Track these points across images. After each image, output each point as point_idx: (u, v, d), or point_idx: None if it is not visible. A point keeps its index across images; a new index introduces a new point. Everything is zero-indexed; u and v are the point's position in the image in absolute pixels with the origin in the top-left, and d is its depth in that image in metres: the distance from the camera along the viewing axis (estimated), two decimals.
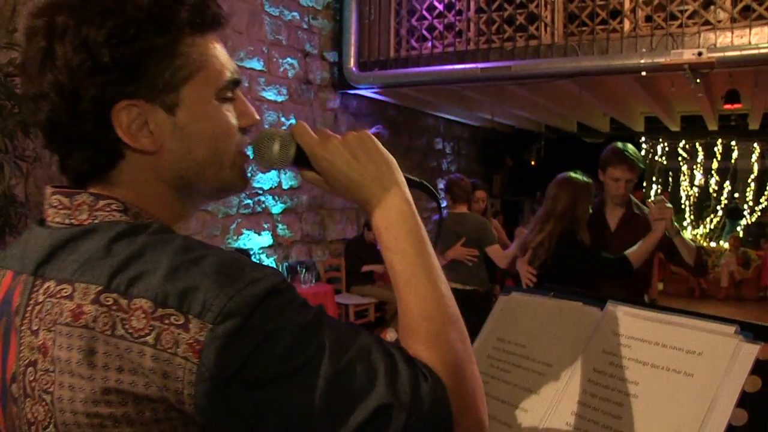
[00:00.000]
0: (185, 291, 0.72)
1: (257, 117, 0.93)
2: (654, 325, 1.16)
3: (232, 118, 0.90)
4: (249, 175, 0.96)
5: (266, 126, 6.93)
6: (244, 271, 0.74)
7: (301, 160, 0.94)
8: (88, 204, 0.83)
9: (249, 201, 6.92)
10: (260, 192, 7.07)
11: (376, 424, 0.73)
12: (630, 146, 3.48)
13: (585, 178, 3.45)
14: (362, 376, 0.74)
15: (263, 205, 7.14)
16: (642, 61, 6.31)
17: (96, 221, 0.82)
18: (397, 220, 0.89)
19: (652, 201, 3.23)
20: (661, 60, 6.21)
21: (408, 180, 0.96)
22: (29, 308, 0.81)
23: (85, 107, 0.80)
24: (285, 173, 7.34)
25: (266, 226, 7.19)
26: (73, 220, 0.83)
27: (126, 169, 0.85)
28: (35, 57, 0.81)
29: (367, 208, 0.91)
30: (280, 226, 7.39)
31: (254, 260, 0.78)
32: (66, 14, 0.79)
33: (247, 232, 6.91)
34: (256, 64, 6.95)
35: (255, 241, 6.98)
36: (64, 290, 0.78)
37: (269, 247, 7.21)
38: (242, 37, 6.72)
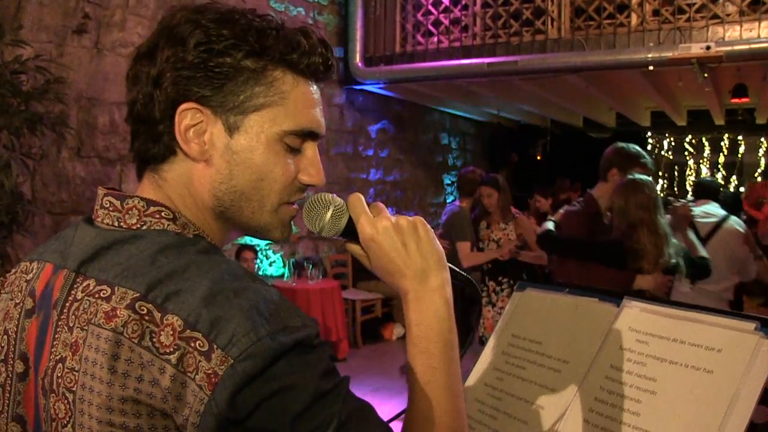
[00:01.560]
0: (217, 319, 0.72)
1: (322, 180, 0.91)
2: (672, 322, 1.15)
3: (291, 167, 0.88)
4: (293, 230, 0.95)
5: None
6: (280, 316, 0.74)
7: (350, 233, 0.92)
8: (139, 209, 0.84)
9: None
10: None
11: None
12: (635, 146, 3.49)
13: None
14: None
15: None
16: (649, 56, 6.29)
17: (144, 227, 0.83)
18: (431, 320, 0.87)
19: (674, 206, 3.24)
20: (669, 54, 6.18)
21: (453, 273, 0.94)
22: (68, 304, 0.81)
23: (159, 96, 0.83)
24: None
25: None
26: (122, 223, 0.84)
27: (175, 168, 0.86)
28: (145, 44, 0.86)
29: (404, 299, 0.90)
30: None
31: (293, 306, 0.78)
32: (184, 12, 0.84)
33: None
34: None
35: None
36: (104, 291, 0.78)
37: (276, 243, 7.21)
38: None
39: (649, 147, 13.80)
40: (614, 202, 3.23)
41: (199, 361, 0.70)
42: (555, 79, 7.47)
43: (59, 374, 0.79)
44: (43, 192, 4.92)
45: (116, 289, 0.77)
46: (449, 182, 11.25)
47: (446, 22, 7.53)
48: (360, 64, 7.88)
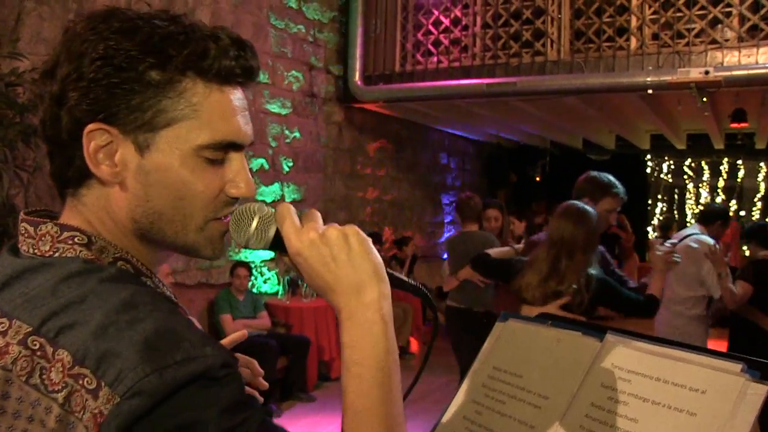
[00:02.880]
0: (106, 354, 0.67)
1: (252, 191, 0.85)
2: (656, 359, 1.10)
3: (214, 181, 0.82)
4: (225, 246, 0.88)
5: (271, 143, 6.92)
6: (178, 346, 0.68)
7: (280, 245, 0.85)
8: (52, 235, 0.79)
9: None
10: None
11: None
12: (606, 176, 3.48)
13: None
14: None
15: None
16: (648, 79, 6.29)
17: (57, 254, 0.78)
18: (364, 340, 0.78)
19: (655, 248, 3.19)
20: (668, 78, 6.19)
21: (400, 283, 0.87)
22: None
23: (63, 116, 0.78)
24: (288, 187, 7.31)
25: None
26: (36, 251, 0.79)
27: (92, 191, 0.82)
28: (48, 61, 0.81)
29: (338, 317, 0.81)
30: None
31: (203, 333, 0.72)
32: (84, 24, 0.79)
33: None
34: (261, 77, 6.92)
35: (256, 254, 6.94)
36: (2, 324, 0.74)
37: (270, 260, 7.17)
38: None
39: (648, 170, 13.80)
40: (552, 220, 3.18)
41: (86, 400, 0.66)
42: (554, 100, 7.47)
43: None
44: (37, 204, 4.88)
45: (14, 322, 0.73)
46: (447, 202, 11.23)
47: (446, 42, 7.54)
48: (359, 83, 7.88)
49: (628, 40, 6.54)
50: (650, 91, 6.44)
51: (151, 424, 0.64)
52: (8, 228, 4.09)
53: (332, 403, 5.97)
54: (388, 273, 0.84)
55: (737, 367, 1.01)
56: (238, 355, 0.97)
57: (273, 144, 7.08)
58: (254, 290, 6.68)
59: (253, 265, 6.68)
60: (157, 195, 0.80)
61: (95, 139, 0.78)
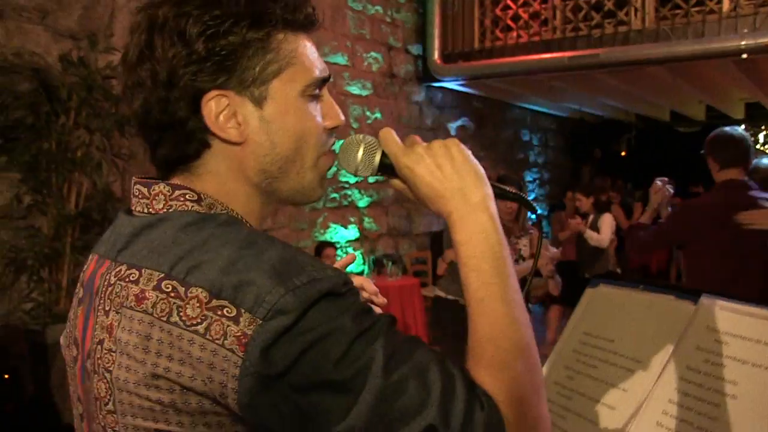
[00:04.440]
0: (240, 284, 0.73)
1: (342, 118, 0.93)
2: (754, 321, 1.08)
3: (318, 117, 0.90)
4: (330, 175, 0.95)
5: (353, 125, 7.00)
6: (303, 270, 0.74)
7: (386, 168, 0.92)
8: (164, 194, 0.86)
9: (335, 195, 7.00)
10: (346, 186, 7.14)
11: None
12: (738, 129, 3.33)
13: None
14: (414, 395, 0.71)
15: (349, 199, 7.21)
16: (743, 43, 5.98)
17: (170, 210, 0.85)
18: (477, 236, 0.85)
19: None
20: (766, 40, 5.85)
21: (501, 192, 0.93)
22: (104, 290, 0.85)
23: (177, 95, 0.83)
24: None
25: (353, 220, 7.25)
26: (150, 209, 0.86)
27: (211, 161, 0.87)
28: (135, 48, 0.84)
29: (449, 222, 0.88)
30: (366, 219, 7.44)
31: (316, 259, 0.78)
32: (167, 7, 0.83)
33: (334, 225, 6.99)
34: (341, 59, 7.00)
35: (342, 235, 7.06)
36: (132, 275, 0.81)
37: (356, 240, 7.28)
38: (326, 33, 6.79)
39: None
40: None
41: (228, 327, 0.71)
42: (639, 71, 7.22)
43: (99, 356, 0.82)
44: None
45: (143, 271, 0.80)
46: (530, 179, 11.06)
47: (525, 16, 7.40)
48: (438, 61, 7.84)
49: (719, 2, 6.24)
50: (745, 56, 6.12)
51: (292, 339, 0.70)
52: (108, 214, 4.31)
53: None
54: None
55: None
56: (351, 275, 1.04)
57: (355, 125, 7.16)
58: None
59: (338, 246, 6.80)
60: (281, 140, 0.87)
61: (215, 106, 0.83)
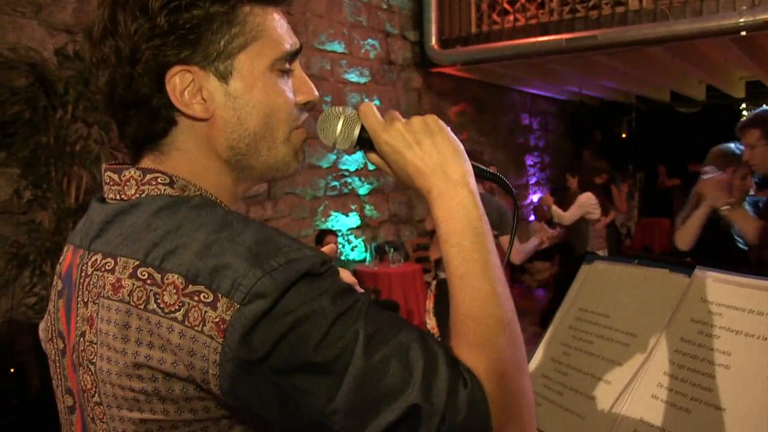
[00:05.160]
0: (216, 268, 0.71)
1: (316, 93, 0.92)
2: (747, 291, 1.09)
3: (288, 92, 0.88)
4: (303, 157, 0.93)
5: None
6: (279, 251, 0.73)
7: (365, 142, 0.91)
8: (136, 179, 0.84)
9: (336, 183, 7.00)
10: (347, 173, 7.14)
11: (405, 427, 0.69)
12: None
13: None
14: (396, 374, 0.70)
15: (350, 187, 7.21)
16: (742, 20, 5.93)
17: (143, 195, 0.83)
18: (457, 212, 0.84)
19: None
20: (765, 17, 5.81)
21: (479, 171, 0.92)
22: (82, 280, 0.84)
23: (141, 71, 0.81)
24: None
25: (354, 207, 7.26)
26: (122, 195, 0.85)
27: (179, 138, 0.86)
28: (99, 24, 0.83)
29: (428, 198, 0.87)
30: (367, 206, 7.44)
31: (293, 239, 0.77)
32: None
33: (335, 213, 6.99)
34: (338, 47, 6.99)
35: (343, 222, 7.07)
36: (108, 263, 0.80)
37: (357, 227, 7.29)
38: (322, 21, 6.77)
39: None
40: None
41: (206, 312, 0.70)
42: (638, 52, 7.19)
43: (82, 348, 0.82)
44: None
45: (119, 259, 0.79)
46: (531, 163, 11.05)
47: None
48: (436, 47, 7.81)
49: None
50: (744, 33, 6.08)
51: (271, 323, 0.69)
52: None
53: None
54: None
55: None
56: None
57: None
58: (342, 258, 6.81)
59: (340, 233, 6.81)
60: (249, 116, 0.85)
61: (179, 81, 0.81)
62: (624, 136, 12.76)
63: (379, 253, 7.11)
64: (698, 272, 1.17)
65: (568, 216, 6.09)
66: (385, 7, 7.68)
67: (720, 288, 1.13)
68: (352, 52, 7.20)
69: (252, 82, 0.84)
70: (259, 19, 0.85)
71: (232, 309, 0.69)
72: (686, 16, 6.30)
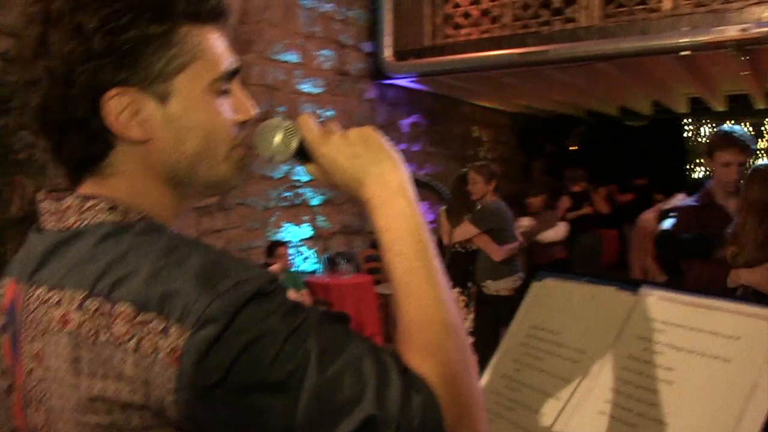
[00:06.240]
0: (166, 295, 0.70)
1: (253, 112, 0.91)
2: (690, 310, 1.12)
3: (228, 112, 0.87)
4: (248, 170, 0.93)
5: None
6: (227, 274, 0.72)
7: (303, 154, 0.92)
8: (75, 207, 0.82)
9: (288, 194, 6.97)
10: (299, 184, 7.11)
11: None
12: (737, 128, 3.35)
13: None
14: (350, 388, 0.71)
15: (302, 198, 7.18)
16: (683, 41, 6.16)
17: (83, 224, 0.81)
18: (398, 221, 0.85)
19: None
20: (704, 38, 6.04)
21: (414, 180, 0.92)
22: (27, 316, 0.81)
23: (75, 93, 0.78)
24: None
25: (305, 218, 7.23)
26: (62, 224, 0.82)
27: (117, 161, 0.84)
28: (30, 43, 0.80)
29: (368, 208, 0.87)
30: (319, 217, 7.42)
31: (240, 259, 0.77)
32: (62, 0, 0.78)
33: (287, 224, 6.96)
34: (292, 57, 6.97)
35: (295, 233, 7.03)
36: (54, 297, 0.78)
37: (309, 238, 7.25)
38: (277, 30, 6.75)
39: (687, 134, 13.52)
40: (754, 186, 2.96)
41: (157, 342, 0.69)
42: (588, 67, 7.36)
43: (31, 386, 0.79)
44: None
45: (64, 292, 0.77)
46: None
47: (476, 13, 7.47)
48: (390, 59, 7.86)
49: (660, 1, 6.40)
50: (686, 53, 6.31)
51: (225, 346, 0.68)
52: None
53: None
54: None
55: None
56: None
57: None
58: (293, 269, 6.78)
59: (291, 244, 6.77)
60: (187, 137, 0.84)
61: (116, 104, 0.79)
62: (574, 148, 13.01)
63: (331, 264, 7.09)
64: (644, 290, 1.21)
65: (557, 233, 6.21)
66: (340, 18, 7.70)
67: (663, 305, 1.17)
68: (307, 63, 7.19)
69: (190, 103, 0.83)
70: (198, 39, 0.84)
71: (184, 336, 0.69)
72: (633, 35, 6.49)
